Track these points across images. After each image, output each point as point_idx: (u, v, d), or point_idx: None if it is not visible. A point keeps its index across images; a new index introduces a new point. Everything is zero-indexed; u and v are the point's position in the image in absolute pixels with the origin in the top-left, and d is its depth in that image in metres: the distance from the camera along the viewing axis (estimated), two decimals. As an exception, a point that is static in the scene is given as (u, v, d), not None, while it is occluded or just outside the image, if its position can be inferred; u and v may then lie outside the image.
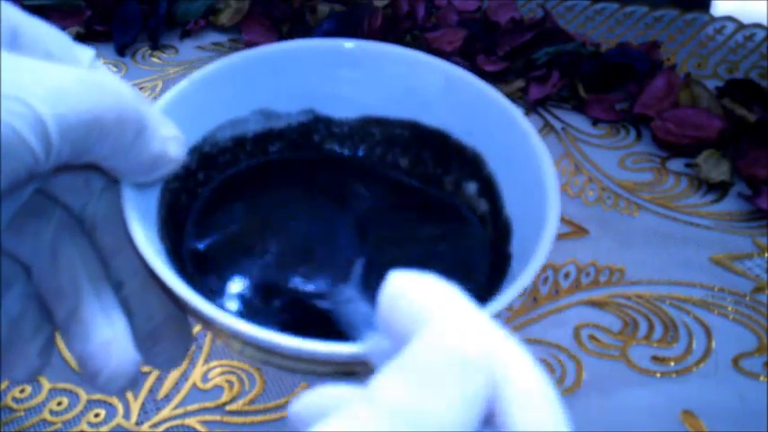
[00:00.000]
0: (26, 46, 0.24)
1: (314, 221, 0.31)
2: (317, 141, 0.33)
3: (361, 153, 0.34)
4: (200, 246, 0.30)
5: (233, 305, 0.28)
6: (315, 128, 0.33)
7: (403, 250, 0.31)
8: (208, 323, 0.24)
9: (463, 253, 0.31)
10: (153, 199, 0.27)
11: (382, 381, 0.16)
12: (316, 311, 0.28)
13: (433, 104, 0.32)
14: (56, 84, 0.21)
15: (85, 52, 0.25)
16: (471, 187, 0.32)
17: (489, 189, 0.31)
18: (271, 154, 0.33)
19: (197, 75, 0.30)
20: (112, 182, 0.26)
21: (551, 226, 0.26)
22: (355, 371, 0.23)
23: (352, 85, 0.32)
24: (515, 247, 0.29)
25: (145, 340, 0.26)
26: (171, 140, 0.25)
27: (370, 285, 0.28)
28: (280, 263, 0.29)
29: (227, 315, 0.23)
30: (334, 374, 0.24)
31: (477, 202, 0.32)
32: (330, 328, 0.25)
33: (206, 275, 0.29)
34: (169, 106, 0.28)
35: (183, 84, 0.29)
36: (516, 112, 0.30)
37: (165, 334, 0.26)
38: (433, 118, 0.32)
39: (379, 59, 0.32)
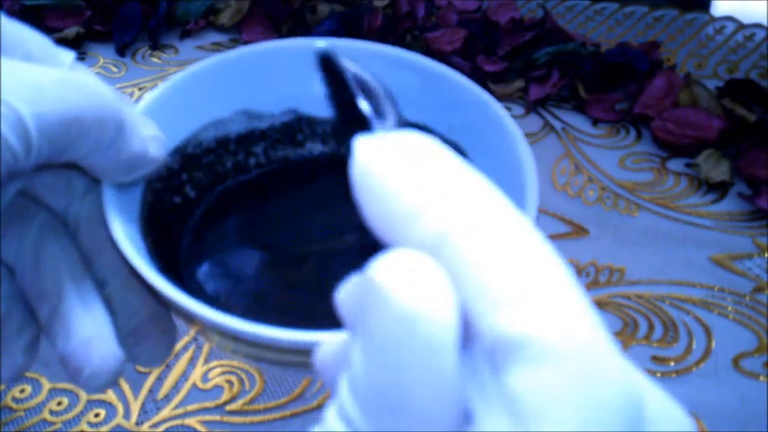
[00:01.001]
0: (6, 48, 0.24)
1: (295, 220, 0.31)
2: (300, 141, 0.33)
3: (343, 152, 0.34)
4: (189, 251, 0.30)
5: (218, 303, 0.28)
6: (298, 127, 0.33)
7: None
8: (190, 318, 0.24)
9: None
10: (135, 199, 0.27)
11: (352, 352, 0.14)
12: (305, 310, 0.28)
13: (413, 100, 0.32)
14: (35, 83, 0.21)
15: (66, 55, 0.25)
16: None
17: None
18: (253, 157, 0.33)
19: (178, 76, 0.30)
20: (95, 183, 0.26)
21: (529, 216, 0.26)
22: None
23: None
24: None
25: (128, 338, 0.26)
26: (150, 140, 0.25)
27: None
28: (266, 264, 0.29)
29: (208, 309, 0.23)
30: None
31: None
32: (318, 325, 0.25)
33: (192, 275, 0.29)
34: (151, 108, 0.28)
35: (164, 85, 0.29)
36: (493, 103, 0.30)
37: (148, 332, 0.26)
38: (413, 114, 0.32)
39: (355, 57, 0.32)
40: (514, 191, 0.28)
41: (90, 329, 0.24)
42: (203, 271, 0.29)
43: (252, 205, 0.32)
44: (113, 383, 0.25)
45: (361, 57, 0.32)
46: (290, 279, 0.29)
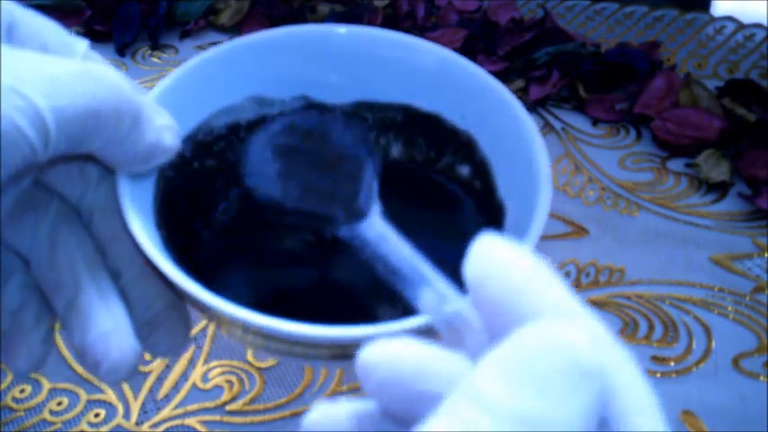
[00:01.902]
0: (22, 38, 0.24)
1: (305, 212, 0.31)
2: None
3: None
4: (198, 236, 0.30)
5: (232, 292, 0.28)
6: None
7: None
8: (205, 310, 0.24)
9: (456, 237, 0.31)
10: (148, 188, 0.27)
11: (488, 378, 0.15)
12: (313, 295, 0.28)
13: (427, 88, 0.32)
14: (53, 76, 0.21)
15: (80, 43, 0.25)
16: (464, 170, 0.32)
17: (482, 172, 0.31)
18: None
19: (189, 63, 0.30)
20: (108, 172, 0.26)
21: (543, 207, 0.26)
22: (351, 353, 0.23)
23: (345, 71, 0.32)
24: (508, 229, 0.29)
25: (143, 329, 0.26)
26: (165, 130, 0.25)
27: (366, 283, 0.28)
28: (279, 252, 0.29)
29: (223, 301, 0.23)
30: (331, 357, 0.24)
31: (470, 185, 0.32)
32: (328, 313, 0.25)
33: (205, 265, 0.29)
34: (163, 95, 0.28)
35: (176, 73, 0.29)
36: (508, 94, 0.30)
37: (164, 322, 0.26)
38: (426, 102, 0.32)
39: (371, 44, 0.32)
40: (527, 181, 0.28)
41: (108, 323, 0.24)
42: (217, 259, 0.29)
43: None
44: (132, 376, 0.25)
45: (381, 43, 0.32)
46: (306, 267, 0.29)
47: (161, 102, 0.27)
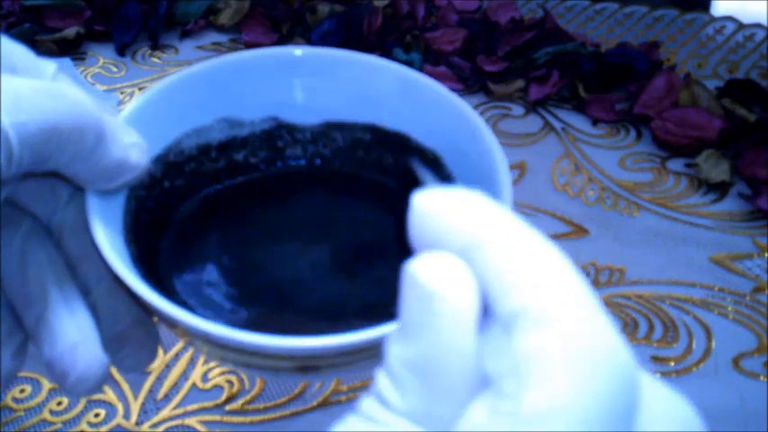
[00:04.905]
0: None
1: (276, 227, 0.32)
2: (281, 147, 0.34)
3: (325, 157, 0.34)
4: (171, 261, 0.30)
5: (202, 310, 0.28)
6: (278, 134, 0.34)
7: (363, 259, 0.31)
8: (174, 325, 0.24)
9: None
10: (118, 206, 0.28)
11: (390, 341, 0.17)
12: (286, 315, 0.28)
13: (392, 107, 0.32)
14: (15, 93, 0.21)
15: (49, 65, 0.25)
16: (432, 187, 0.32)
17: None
18: (236, 165, 0.34)
19: (160, 85, 0.30)
20: (78, 191, 0.26)
21: None
22: (318, 365, 0.23)
23: (309, 92, 0.33)
24: None
25: (111, 343, 0.26)
26: (132, 147, 0.26)
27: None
28: (247, 271, 0.30)
29: (188, 314, 0.23)
30: (298, 369, 0.24)
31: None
32: (299, 328, 0.25)
33: (175, 282, 0.29)
34: (132, 116, 0.28)
35: (146, 94, 0.30)
36: (468, 109, 0.30)
37: (132, 337, 0.26)
38: (392, 121, 0.33)
39: (332, 65, 0.32)
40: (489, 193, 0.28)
41: (75, 335, 0.25)
42: (186, 278, 0.30)
43: (233, 212, 0.33)
44: (98, 389, 0.25)
45: (339, 64, 0.32)
46: (272, 285, 0.30)
47: (131, 122, 0.27)
